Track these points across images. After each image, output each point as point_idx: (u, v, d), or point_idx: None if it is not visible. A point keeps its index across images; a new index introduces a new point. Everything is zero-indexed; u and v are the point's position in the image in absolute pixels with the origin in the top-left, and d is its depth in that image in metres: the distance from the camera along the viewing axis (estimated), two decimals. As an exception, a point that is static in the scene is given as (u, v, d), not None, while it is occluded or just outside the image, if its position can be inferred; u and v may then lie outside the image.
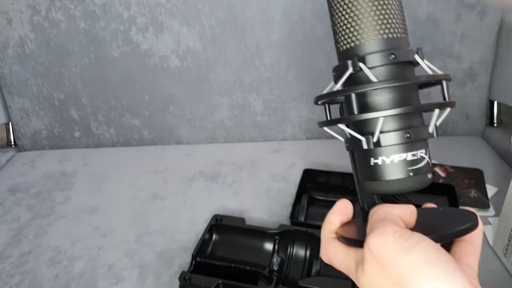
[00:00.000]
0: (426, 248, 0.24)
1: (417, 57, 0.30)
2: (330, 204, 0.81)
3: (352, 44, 0.30)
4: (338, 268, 0.30)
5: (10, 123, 1.05)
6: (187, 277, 0.55)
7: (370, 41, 0.29)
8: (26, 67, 0.95)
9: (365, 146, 0.30)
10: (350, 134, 0.31)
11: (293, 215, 0.71)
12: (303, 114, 0.99)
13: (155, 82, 0.96)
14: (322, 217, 0.77)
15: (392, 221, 0.26)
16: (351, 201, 0.34)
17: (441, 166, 0.84)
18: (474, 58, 0.92)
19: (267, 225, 0.71)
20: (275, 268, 0.60)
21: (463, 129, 0.99)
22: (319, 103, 0.33)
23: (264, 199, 0.79)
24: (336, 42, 0.32)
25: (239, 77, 0.95)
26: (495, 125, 0.99)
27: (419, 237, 0.24)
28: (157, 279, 0.63)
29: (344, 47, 0.31)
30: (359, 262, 0.27)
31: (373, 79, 0.29)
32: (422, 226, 0.29)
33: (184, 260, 0.66)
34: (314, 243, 0.62)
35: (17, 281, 0.64)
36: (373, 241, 0.25)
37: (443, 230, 0.28)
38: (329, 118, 0.34)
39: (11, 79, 0.97)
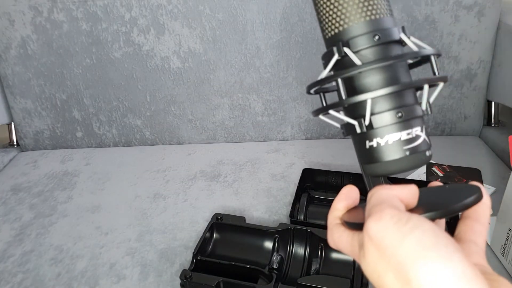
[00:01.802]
0: (424, 231, 0.23)
1: (403, 36, 0.30)
2: (329, 203, 0.81)
3: (337, 31, 0.30)
4: (344, 252, 0.29)
5: (12, 123, 1.05)
6: (188, 275, 0.55)
7: (354, 25, 0.29)
8: (29, 67, 0.96)
9: (358, 130, 0.30)
10: (344, 120, 0.31)
11: (292, 214, 0.72)
12: (302, 114, 0.99)
13: (157, 83, 0.97)
14: (321, 216, 0.78)
15: (389, 204, 0.26)
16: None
17: (439, 165, 0.85)
18: (472, 59, 0.93)
19: (267, 224, 0.72)
20: (275, 266, 0.61)
21: (461, 129, 1.00)
22: (311, 91, 0.33)
23: (264, 198, 0.80)
24: (322, 30, 0.32)
25: (240, 78, 0.96)
26: (493, 125, 1.00)
27: (417, 220, 0.24)
28: (158, 277, 0.64)
29: (329, 34, 0.31)
30: (361, 246, 0.26)
31: (357, 62, 0.29)
32: (424, 204, 0.28)
33: (185, 259, 0.67)
34: (313, 241, 0.63)
35: (19, 280, 0.65)
36: (370, 226, 0.25)
37: (443, 206, 0.27)
38: (323, 104, 0.34)
39: (14, 79, 0.97)
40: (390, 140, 0.29)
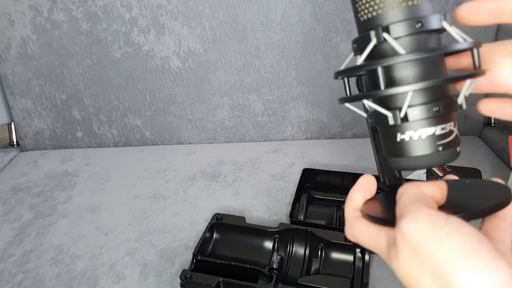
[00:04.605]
0: (465, 236, 0.22)
1: (445, 24, 0.28)
2: (329, 203, 0.82)
3: (374, 13, 0.28)
4: (366, 247, 0.28)
5: (12, 123, 1.05)
6: (188, 275, 0.55)
7: (394, 9, 0.27)
8: (28, 67, 0.96)
9: (391, 122, 0.28)
10: (373, 109, 0.29)
11: (292, 214, 0.72)
12: (302, 114, 0.99)
13: (157, 83, 0.97)
14: (321, 216, 0.78)
15: (425, 203, 0.24)
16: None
17: (439, 165, 0.85)
18: (472, 59, 0.93)
19: (267, 224, 0.72)
20: (274, 266, 0.61)
21: (461, 129, 0.99)
22: (340, 78, 0.31)
23: (264, 198, 0.80)
24: (356, 11, 0.29)
25: (240, 78, 0.96)
26: (492, 125, 1.00)
27: (456, 223, 0.23)
28: (158, 278, 0.64)
29: (366, 16, 0.28)
30: (391, 244, 0.25)
31: (401, 51, 0.27)
32: (453, 202, 0.27)
33: (185, 259, 0.67)
34: (313, 241, 0.63)
35: (19, 280, 0.65)
36: (405, 226, 0.23)
37: (475, 206, 0.26)
38: (348, 93, 0.32)
39: (14, 79, 0.97)
40: (423, 135, 0.28)
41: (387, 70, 0.28)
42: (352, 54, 0.31)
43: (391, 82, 0.28)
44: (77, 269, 0.66)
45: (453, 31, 0.28)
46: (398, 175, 0.33)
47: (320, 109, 0.98)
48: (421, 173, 0.82)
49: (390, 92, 0.27)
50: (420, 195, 0.26)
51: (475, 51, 0.28)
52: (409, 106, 0.28)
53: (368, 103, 0.29)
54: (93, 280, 0.64)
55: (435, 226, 0.23)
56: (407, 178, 0.78)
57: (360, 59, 0.28)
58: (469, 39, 0.28)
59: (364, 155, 0.91)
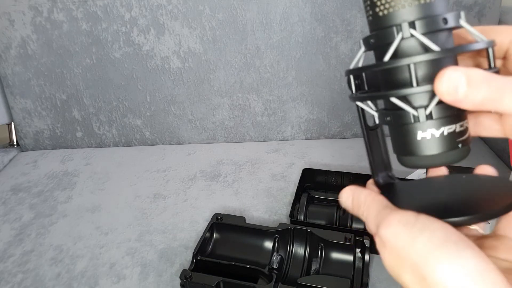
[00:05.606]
0: (433, 231, 0.24)
1: (463, 22, 0.27)
2: (329, 203, 0.82)
3: (396, 8, 0.27)
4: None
5: (12, 123, 1.05)
6: (188, 275, 0.55)
7: (418, 5, 0.27)
8: (28, 67, 0.96)
9: (412, 120, 0.27)
10: (391, 106, 0.28)
11: (292, 214, 0.72)
12: (302, 114, 0.99)
13: (157, 83, 0.97)
14: (321, 216, 0.78)
15: (388, 206, 0.27)
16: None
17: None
18: (472, 59, 0.93)
19: (267, 224, 0.72)
20: (274, 266, 0.61)
21: (462, 129, 0.99)
22: (351, 76, 0.31)
23: (264, 198, 0.80)
24: (373, 5, 0.28)
25: (240, 78, 0.96)
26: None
27: (425, 220, 0.24)
28: (158, 277, 0.64)
29: (386, 11, 0.27)
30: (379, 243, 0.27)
31: (434, 47, 0.26)
32: (466, 201, 0.27)
33: (185, 259, 0.67)
34: (313, 241, 0.63)
35: (19, 280, 0.65)
36: (383, 233, 0.25)
37: (488, 207, 0.26)
38: (353, 91, 0.31)
39: (14, 79, 0.97)
40: (445, 132, 0.28)
41: (416, 67, 0.27)
42: (362, 50, 0.30)
43: (421, 79, 0.27)
44: (77, 269, 0.66)
45: (474, 30, 0.28)
46: (390, 174, 0.33)
47: (320, 109, 0.98)
48: (421, 173, 0.82)
49: (421, 89, 0.27)
50: (379, 201, 0.28)
51: (490, 50, 0.28)
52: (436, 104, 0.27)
53: (394, 100, 0.28)
54: (93, 280, 0.64)
55: (406, 227, 0.24)
56: (407, 178, 0.78)
57: (388, 56, 0.27)
58: (484, 38, 0.28)
59: (364, 155, 0.91)
